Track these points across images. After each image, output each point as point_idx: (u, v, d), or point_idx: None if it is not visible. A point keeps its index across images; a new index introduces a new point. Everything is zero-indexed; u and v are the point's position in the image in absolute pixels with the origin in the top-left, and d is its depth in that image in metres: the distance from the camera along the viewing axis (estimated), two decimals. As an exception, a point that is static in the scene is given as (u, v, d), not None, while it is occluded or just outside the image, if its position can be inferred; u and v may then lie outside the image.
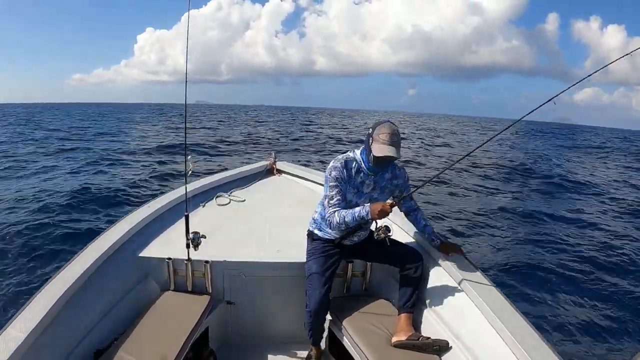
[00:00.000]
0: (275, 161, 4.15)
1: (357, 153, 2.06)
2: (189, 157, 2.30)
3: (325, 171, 2.06)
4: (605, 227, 7.39)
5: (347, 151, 2.11)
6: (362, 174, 2.04)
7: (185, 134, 2.56)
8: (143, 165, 11.51)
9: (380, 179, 2.08)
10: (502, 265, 5.33)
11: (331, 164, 2.03)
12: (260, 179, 3.92)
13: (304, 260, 2.34)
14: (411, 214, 2.24)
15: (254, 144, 18.13)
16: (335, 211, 1.96)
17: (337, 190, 1.98)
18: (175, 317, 2.08)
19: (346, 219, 1.93)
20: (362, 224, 2.01)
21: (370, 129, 1.95)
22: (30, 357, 1.51)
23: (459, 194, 9.45)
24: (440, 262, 2.20)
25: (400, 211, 2.23)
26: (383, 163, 1.97)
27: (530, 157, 17.97)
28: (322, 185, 3.88)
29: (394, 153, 1.86)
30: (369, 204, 1.95)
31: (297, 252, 2.45)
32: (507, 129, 2.39)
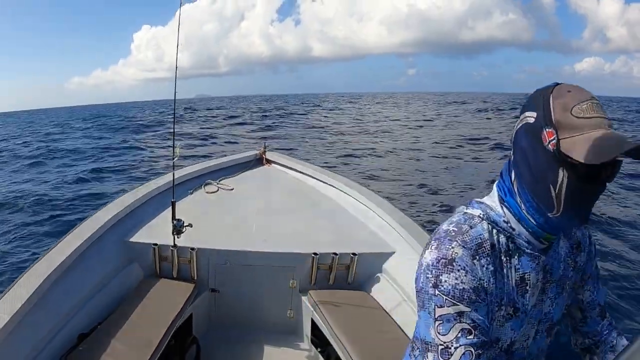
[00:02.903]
0: (265, 151, 4.15)
1: (491, 203, 0.81)
2: (177, 144, 2.30)
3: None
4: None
5: (459, 210, 0.83)
6: (518, 256, 0.78)
7: (174, 121, 2.54)
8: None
9: (553, 259, 0.83)
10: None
11: (430, 254, 0.75)
12: (249, 168, 3.91)
13: (290, 250, 2.38)
14: (595, 335, 0.94)
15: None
16: None
17: (463, 329, 0.71)
18: (159, 303, 2.09)
19: None
20: None
21: (541, 102, 0.71)
22: (13, 339, 1.52)
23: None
24: None
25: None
26: (594, 192, 0.71)
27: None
28: (311, 177, 3.88)
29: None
30: None
31: (283, 242, 2.47)
32: None
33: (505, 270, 0.77)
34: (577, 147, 0.65)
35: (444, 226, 0.78)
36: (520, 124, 0.75)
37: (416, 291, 0.77)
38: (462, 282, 0.71)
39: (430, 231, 2.48)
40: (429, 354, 0.73)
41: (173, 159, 2.37)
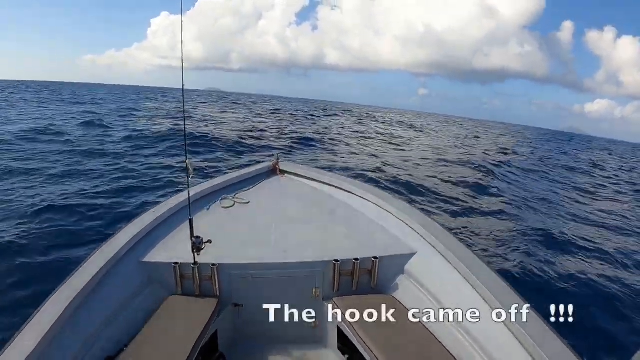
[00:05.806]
0: (278, 161, 4.15)
1: None
2: (189, 160, 2.31)
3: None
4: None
5: None
6: None
7: (185, 139, 2.57)
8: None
9: None
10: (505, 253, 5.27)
11: None
12: (263, 180, 3.92)
13: (311, 259, 2.35)
14: None
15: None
16: None
17: None
18: (183, 321, 2.08)
19: None
20: None
21: None
22: None
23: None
24: (444, 254, 2.21)
25: None
26: None
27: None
28: (327, 184, 3.92)
29: None
30: None
31: (303, 251, 2.44)
32: None
33: None
34: None
35: None
36: None
37: None
38: None
39: (452, 230, 2.46)
40: None
41: (188, 177, 2.38)
